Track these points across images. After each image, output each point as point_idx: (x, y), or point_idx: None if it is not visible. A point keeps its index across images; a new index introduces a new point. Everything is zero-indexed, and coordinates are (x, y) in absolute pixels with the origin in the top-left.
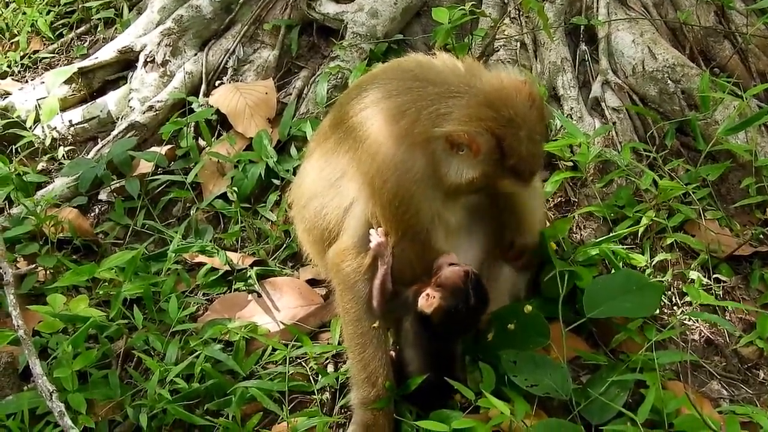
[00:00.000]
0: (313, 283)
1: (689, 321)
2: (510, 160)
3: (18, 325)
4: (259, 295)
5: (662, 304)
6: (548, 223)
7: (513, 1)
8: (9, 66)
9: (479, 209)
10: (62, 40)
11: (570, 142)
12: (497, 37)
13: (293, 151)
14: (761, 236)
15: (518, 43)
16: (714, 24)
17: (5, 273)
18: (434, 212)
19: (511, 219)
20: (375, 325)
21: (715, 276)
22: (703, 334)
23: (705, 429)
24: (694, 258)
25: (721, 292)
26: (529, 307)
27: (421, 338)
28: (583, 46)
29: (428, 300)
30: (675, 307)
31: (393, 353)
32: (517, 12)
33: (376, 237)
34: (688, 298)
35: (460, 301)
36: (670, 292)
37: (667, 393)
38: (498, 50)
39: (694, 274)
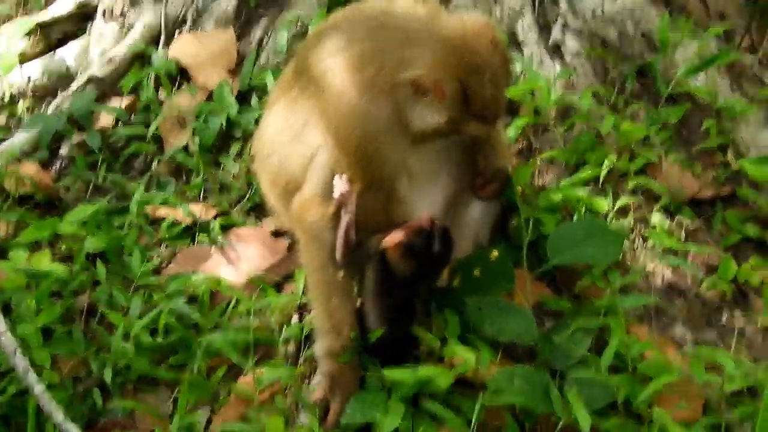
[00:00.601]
0: (277, 234)
1: (652, 265)
2: (474, 105)
3: None
4: (223, 248)
5: (625, 248)
6: (511, 169)
7: None
8: None
9: (445, 153)
10: None
11: (531, 87)
12: None
13: (254, 101)
14: (722, 179)
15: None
16: None
17: None
18: (399, 160)
19: (482, 147)
20: (340, 274)
21: (677, 219)
22: (666, 278)
23: (669, 372)
24: (656, 201)
25: (683, 236)
26: (495, 253)
27: (382, 289)
28: None
29: (392, 236)
30: (638, 251)
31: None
32: None
33: (340, 185)
34: (651, 242)
35: (422, 241)
36: (633, 236)
37: (631, 337)
38: None
39: (656, 218)
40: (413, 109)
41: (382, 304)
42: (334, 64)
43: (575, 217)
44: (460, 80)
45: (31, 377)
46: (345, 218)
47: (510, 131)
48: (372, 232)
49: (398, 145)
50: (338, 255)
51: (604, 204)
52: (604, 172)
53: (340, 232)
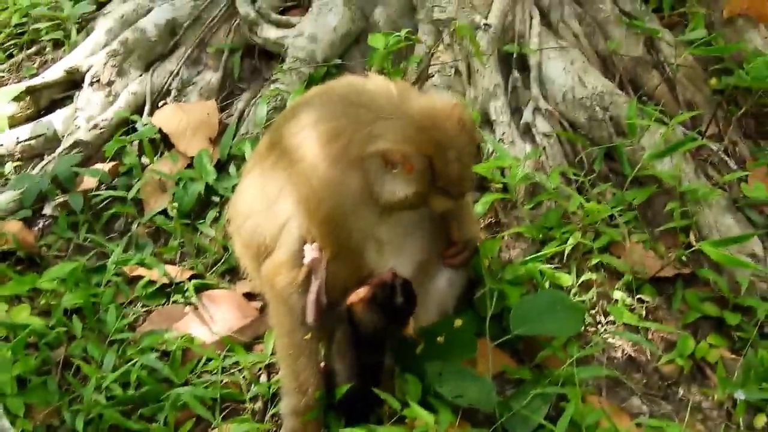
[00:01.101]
0: (249, 296)
1: (612, 339)
2: (441, 180)
3: None
4: (196, 308)
5: (587, 322)
6: (479, 240)
7: (447, 28)
8: None
9: (414, 223)
10: (12, 60)
11: (499, 164)
12: (432, 63)
13: (232, 169)
14: (684, 259)
15: (453, 70)
16: (643, 54)
17: None
18: (367, 231)
19: (452, 216)
20: (307, 337)
21: (638, 296)
22: (625, 352)
23: None
24: (618, 279)
25: (644, 312)
26: (459, 322)
27: (351, 347)
28: (516, 74)
29: (357, 294)
30: (599, 326)
31: (323, 365)
32: (452, 39)
33: (310, 252)
34: (612, 318)
35: (385, 294)
36: (594, 311)
37: (587, 406)
38: (433, 76)
39: (618, 294)
40: (382, 180)
41: (350, 361)
42: (306, 137)
43: (539, 290)
44: (427, 156)
45: (5, 422)
46: (315, 283)
47: (479, 206)
48: (341, 295)
49: (367, 215)
50: (309, 318)
51: (567, 279)
52: (568, 249)
53: (311, 296)
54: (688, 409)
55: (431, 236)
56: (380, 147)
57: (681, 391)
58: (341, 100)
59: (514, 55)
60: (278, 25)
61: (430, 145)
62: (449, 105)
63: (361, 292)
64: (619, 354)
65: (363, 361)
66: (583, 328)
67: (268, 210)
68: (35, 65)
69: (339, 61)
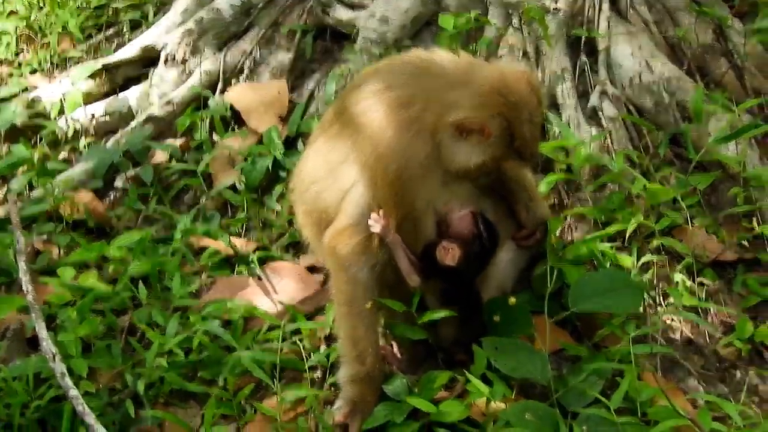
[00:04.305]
0: (312, 270)
1: (671, 320)
2: (516, 142)
3: (27, 291)
4: (260, 279)
5: (646, 303)
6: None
7: (517, 11)
8: (39, 64)
9: (476, 198)
10: (91, 41)
11: (564, 144)
12: (501, 45)
13: (300, 146)
14: (746, 243)
15: (521, 52)
16: (711, 41)
17: (18, 240)
18: (431, 198)
19: (522, 196)
20: (367, 306)
21: (699, 280)
22: (684, 333)
23: (676, 418)
24: (679, 262)
25: (704, 295)
26: (513, 300)
27: (448, 290)
28: (584, 57)
29: (448, 252)
30: (658, 307)
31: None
32: (521, 22)
33: (378, 221)
34: (671, 300)
35: (476, 244)
36: (654, 293)
37: (642, 383)
38: (501, 58)
39: (678, 277)
40: (457, 148)
41: (450, 306)
42: (373, 105)
43: (599, 269)
44: (503, 119)
45: (68, 382)
46: (397, 246)
47: (542, 186)
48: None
49: (432, 183)
50: (414, 281)
51: (628, 260)
52: (630, 230)
53: (404, 262)
54: (744, 390)
55: (493, 212)
56: (459, 116)
57: (738, 374)
58: (409, 70)
59: (583, 39)
60: (350, 6)
61: (505, 108)
62: (518, 70)
63: (454, 251)
64: (677, 335)
65: (462, 296)
66: (641, 308)
67: (332, 177)
68: (113, 46)
69: (410, 43)
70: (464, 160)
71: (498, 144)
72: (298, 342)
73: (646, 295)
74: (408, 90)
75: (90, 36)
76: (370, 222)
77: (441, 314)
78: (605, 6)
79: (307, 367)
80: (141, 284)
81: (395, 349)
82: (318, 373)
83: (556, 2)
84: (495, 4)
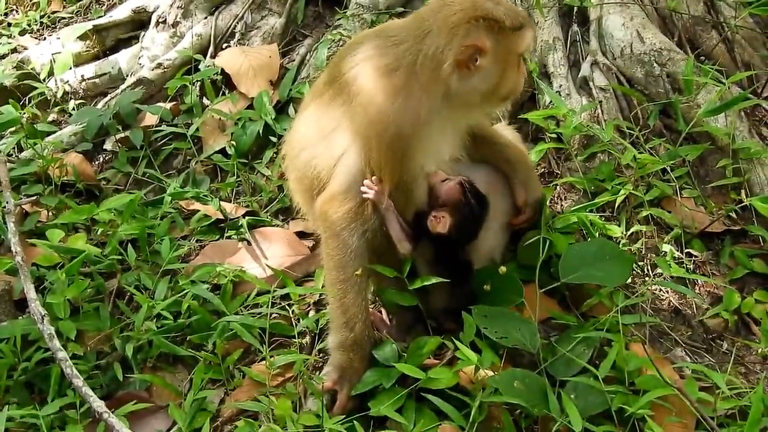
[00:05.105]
0: (301, 235)
1: (659, 291)
2: (505, 23)
3: (15, 252)
4: (249, 244)
5: (634, 274)
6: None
7: None
8: (29, 24)
9: (469, 169)
10: (81, 2)
11: (554, 113)
12: None
13: (291, 111)
14: (734, 215)
15: None
16: (702, 13)
17: (7, 201)
18: (423, 164)
19: (520, 174)
20: (357, 272)
21: (687, 250)
22: (671, 304)
23: (664, 387)
24: (668, 232)
25: (691, 266)
26: (503, 269)
27: (439, 257)
28: (575, 27)
29: (439, 221)
30: (646, 278)
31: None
32: None
33: (371, 187)
34: (659, 270)
35: (465, 212)
36: (642, 263)
37: (630, 353)
38: None
39: (666, 248)
40: (472, 83)
41: (440, 274)
42: (364, 72)
43: (588, 239)
44: (482, 19)
45: (56, 343)
46: (389, 212)
47: (533, 154)
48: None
49: (424, 148)
50: (405, 248)
51: (617, 230)
52: (619, 200)
53: (396, 228)
54: (731, 361)
55: (485, 182)
56: (450, 59)
57: (725, 345)
58: (394, 35)
59: (575, 9)
60: None
61: (477, 11)
62: None
63: (444, 219)
64: (665, 306)
65: (453, 263)
66: (630, 279)
67: (324, 143)
68: (103, 8)
69: (401, 9)
70: (484, 84)
71: (495, 44)
72: (287, 307)
73: (634, 266)
74: (392, 56)
75: None
76: (363, 188)
77: (432, 281)
78: None
79: (296, 332)
80: (130, 247)
81: (384, 315)
82: (307, 339)
83: None
84: None
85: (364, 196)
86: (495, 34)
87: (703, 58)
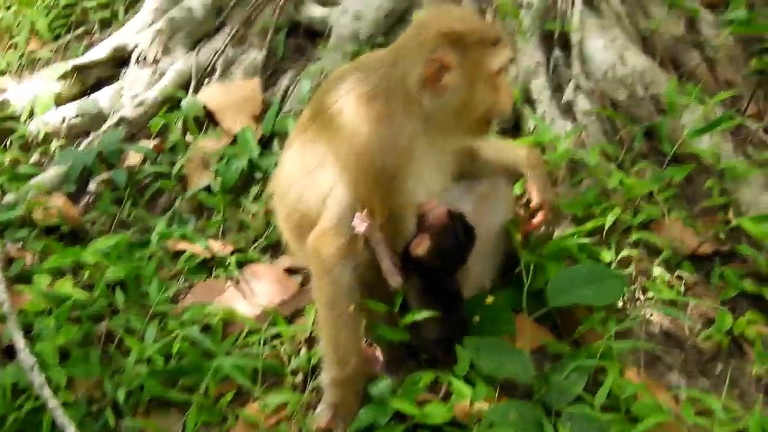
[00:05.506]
0: (290, 272)
1: (651, 315)
2: (473, 39)
3: (3, 299)
4: (238, 282)
5: (625, 298)
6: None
7: (491, 6)
8: (8, 65)
9: (458, 195)
10: (60, 41)
11: (540, 140)
12: None
13: (275, 146)
14: (722, 236)
15: None
16: (683, 33)
17: None
18: (413, 193)
19: (533, 176)
20: (350, 308)
21: (677, 273)
22: (664, 327)
23: (660, 413)
24: (657, 255)
25: (682, 289)
26: (490, 299)
27: (427, 287)
28: (557, 52)
29: (419, 243)
30: (638, 302)
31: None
32: (495, 17)
33: (362, 220)
34: (651, 294)
35: (448, 237)
36: (633, 287)
37: (625, 380)
38: None
39: (657, 271)
40: (440, 98)
41: (430, 305)
42: (346, 104)
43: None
44: (454, 45)
45: (47, 392)
46: (380, 246)
47: (519, 184)
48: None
49: (414, 175)
50: (396, 282)
51: (607, 254)
52: (608, 225)
53: (387, 262)
54: (726, 384)
55: (475, 208)
56: (417, 72)
57: (719, 367)
58: (372, 65)
59: (556, 33)
60: (323, 3)
61: (451, 35)
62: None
63: (424, 242)
64: (657, 330)
65: (441, 301)
66: (621, 303)
67: (311, 179)
68: (83, 46)
69: (383, 39)
70: (456, 99)
71: (462, 56)
72: (279, 345)
73: (625, 290)
74: (371, 84)
75: (59, 36)
76: (354, 222)
77: (423, 315)
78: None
79: (288, 371)
80: (118, 290)
81: (377, 350)
82: (300, 377)
83: None
84: None
85: (356, 230)
86: (462, 50)
87: (684, 77)
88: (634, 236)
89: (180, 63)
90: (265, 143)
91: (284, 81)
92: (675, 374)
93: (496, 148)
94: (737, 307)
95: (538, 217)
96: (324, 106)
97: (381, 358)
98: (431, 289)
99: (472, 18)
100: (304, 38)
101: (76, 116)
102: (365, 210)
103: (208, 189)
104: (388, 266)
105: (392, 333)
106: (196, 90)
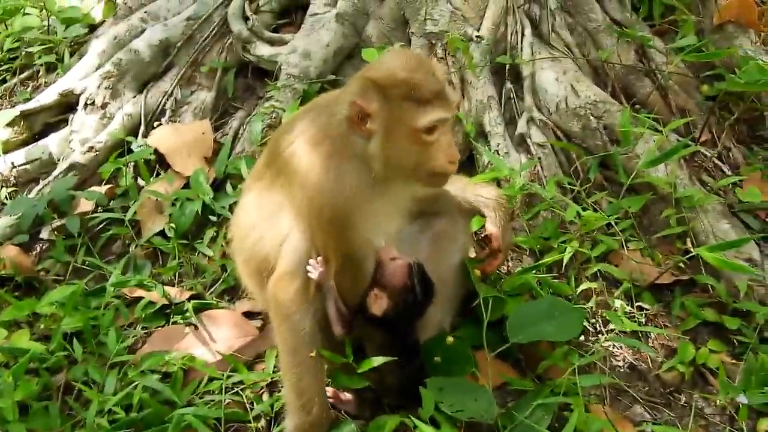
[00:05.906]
0: (249, 315)
1: (613, 347)
2: (399, 92)
3: None
4: (197, 328)
5: (587, 331)
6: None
7: (440, 41)
8: None
9: (412, 237)
10: (5, 85)
11: (496, 176)
12: None
13: (229, 188)
14: (681, 265)
15: (446, 82)
16: (634, 62)
17: None
18: (369, 236)
19: (495, 218)
20: (312, 354)
21: (637, 304)
22: (627, 360)
23: None
24: (617, 287)
25: (643, 320)
26: (450, 339)
27: (383, 339)
28: (509, 85)
29: (376, 301)
30: (599, 335)
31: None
32: (445, 52)
33: (316, 267)
34: (612, 326)
35: (407, 297)
36: (594, 320)
37: (591, 416)
38: None
39: (617, 303)
40: (366, 142)
41: (388, 354)
42: (297, 148)
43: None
44: (377, 90)
45: None
46: (330, 295)
47: (475, 220)
48: (354, 302)
49: (368, 217)
50: (338, 330)
51: (566, 288)
52: (566, 258)
53: (332, 310)
54: (691, 415)
55: (433, 248)
56: (344, 113)
57: (683, 398)
58: (322, 107)
59: (507, 67)
60: (271, 42)
61: (375, 80)
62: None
63: (382, 302)
64: (620, 362)
65: (401, 351)
66: (583, 337)
67: (268, 224)
68: (28, 90)
69: (333, 77)
70: (382, 156)
71: (390, 120)
72: (241, 392)
73: (587, 323)
74: (318, 126)
75: (4, 80)
76: (308, 268)
77: (379, 361)
78: (527, 32)
79: (251, 417)
80: (75, 341)
81: (343, 392)
82: (263, 423)
83: (478, 30)
84: (417, 34)
85: (309, 275)
86: (386, 101)
87: (638, 106)
88: (592, 269)
89: (129, 106)
90: (218, 185)
91: (235, 121)
92: (639, 407)
93: (458, 186)
94: (698, 337)
95: (497, 260)
96: (279, 151)
97: (351, 398)
98: (388, 340)
99: (418, 70)
100: (254, 78)
101: (25, 163)
102: (319, 256)
103: (162, 233)
104: (332, 314)
105: (350, 381)
106: (146, 133)
